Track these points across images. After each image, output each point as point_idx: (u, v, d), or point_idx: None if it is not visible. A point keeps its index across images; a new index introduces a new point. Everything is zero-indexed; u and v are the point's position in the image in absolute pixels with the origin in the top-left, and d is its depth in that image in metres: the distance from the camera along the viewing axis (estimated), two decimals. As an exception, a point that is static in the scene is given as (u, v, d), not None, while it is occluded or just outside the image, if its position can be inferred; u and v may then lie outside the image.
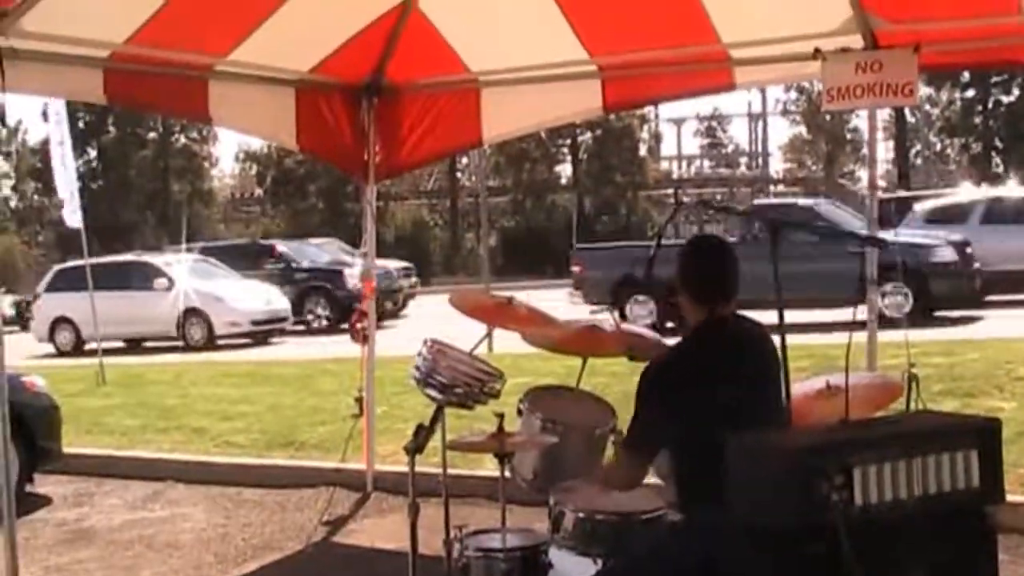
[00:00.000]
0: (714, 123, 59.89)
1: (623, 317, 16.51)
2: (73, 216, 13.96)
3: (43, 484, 8.33)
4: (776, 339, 3.51)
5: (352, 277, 22.13)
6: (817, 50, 5.85)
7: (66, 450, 8.43)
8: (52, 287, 22.31)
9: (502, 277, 29.65)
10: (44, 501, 8.04)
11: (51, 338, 21.92)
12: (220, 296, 21.13)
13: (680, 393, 3.47)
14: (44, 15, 4.98)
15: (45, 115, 13.96)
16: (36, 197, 48.69)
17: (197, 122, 32.08)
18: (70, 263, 23.46)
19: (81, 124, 46.12)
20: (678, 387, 3.48)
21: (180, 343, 20.42)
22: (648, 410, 3.54)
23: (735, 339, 3.57)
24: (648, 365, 3.57)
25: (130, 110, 37.30)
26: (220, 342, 20.48)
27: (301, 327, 22.37)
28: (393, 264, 25.64)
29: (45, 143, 14.51)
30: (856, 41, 5.86)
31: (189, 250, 24.54)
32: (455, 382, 4.28)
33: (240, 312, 20.90)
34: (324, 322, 22.79)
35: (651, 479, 4.46)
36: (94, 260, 22.40)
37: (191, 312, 21.00)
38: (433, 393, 4.31)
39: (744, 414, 3.31)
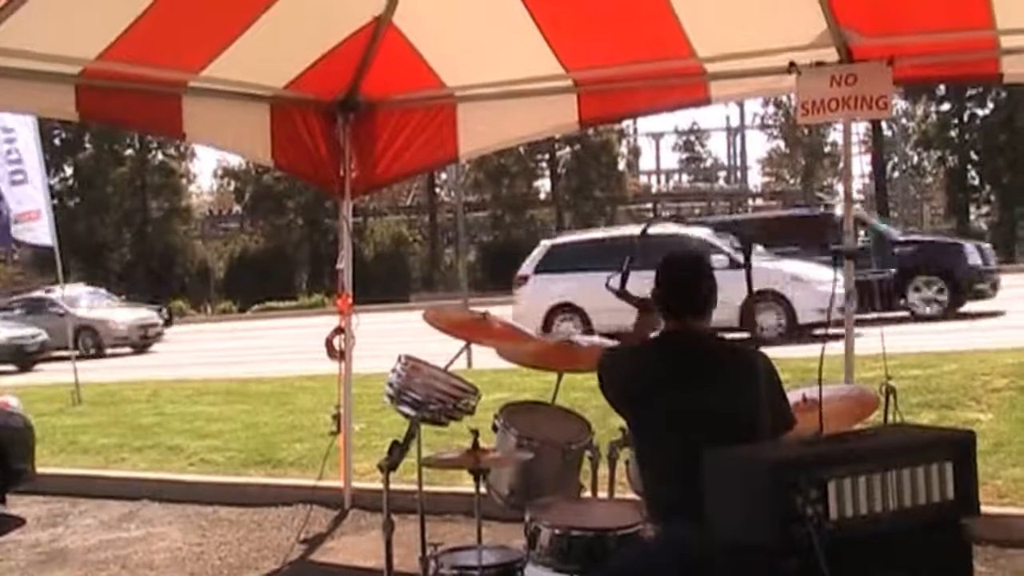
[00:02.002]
0: (692, 137, 60.19)
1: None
2: (33, 234, 13.72)
3: (16, 505, 8.24)
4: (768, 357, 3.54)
5: (972, 253, 18.57)
6: (792, 64, 5.88)
7: (40, 470, 8.33)
8: (542, 267, 18.24)
9: (482, 292, 29.68)
10: (17, 522, 7.94)
11: (546, 328, 17.71)
12: (796, 274, 16.42)
13: (621, 382, 3.58)
14: (14, 31, 4.93)
15: None
16: (12, 215, 48.13)
17: (171, 139, 31.95)
18: (563, 238, 20.50)
19: (57, 141, 45.95)
20: (619, 377, 3.62)
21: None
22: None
23: (693, 350, 3.56)
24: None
25: (104, 127, 37.09)
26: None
27: (905, 314, 17.28)
28: None
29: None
30: (831, 55, 5.88)
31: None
32: (429, 399, 4.25)
33: (824, 296, 15.05)
34: (931, 308, 17.80)
35: (630, 494, 4.45)
36: (593, 234, 19.42)
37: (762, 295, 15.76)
38: (406, 410, 4.28)
39: (702, 426, 3.30)
